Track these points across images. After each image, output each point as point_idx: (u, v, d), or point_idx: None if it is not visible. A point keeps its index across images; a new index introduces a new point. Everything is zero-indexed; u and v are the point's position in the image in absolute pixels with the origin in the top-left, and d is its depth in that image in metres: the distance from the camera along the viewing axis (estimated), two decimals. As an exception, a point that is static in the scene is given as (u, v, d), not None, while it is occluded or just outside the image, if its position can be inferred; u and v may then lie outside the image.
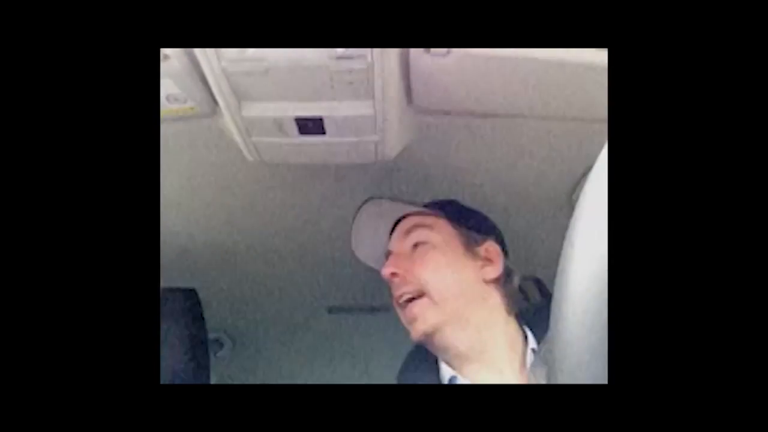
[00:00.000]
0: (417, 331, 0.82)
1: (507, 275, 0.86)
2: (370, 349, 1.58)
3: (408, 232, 0.89)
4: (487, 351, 0.81)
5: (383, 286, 1.34)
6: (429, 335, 0.82)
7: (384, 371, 1.63)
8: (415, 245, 0.88)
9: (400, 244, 0.89)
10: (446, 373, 0.84)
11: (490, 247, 0.88)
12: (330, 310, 1.45)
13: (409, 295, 0.84)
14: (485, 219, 0.93)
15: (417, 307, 0.82)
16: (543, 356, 0.78)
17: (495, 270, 0.85)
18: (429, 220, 0.89)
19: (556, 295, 0.37)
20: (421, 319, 0.82)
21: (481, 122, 0.90)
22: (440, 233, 0.88)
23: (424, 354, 0.89)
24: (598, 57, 0.72)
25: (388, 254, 0.90)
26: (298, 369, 1.65)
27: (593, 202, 0.36)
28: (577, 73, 0.77)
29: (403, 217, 0.92)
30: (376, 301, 1.41)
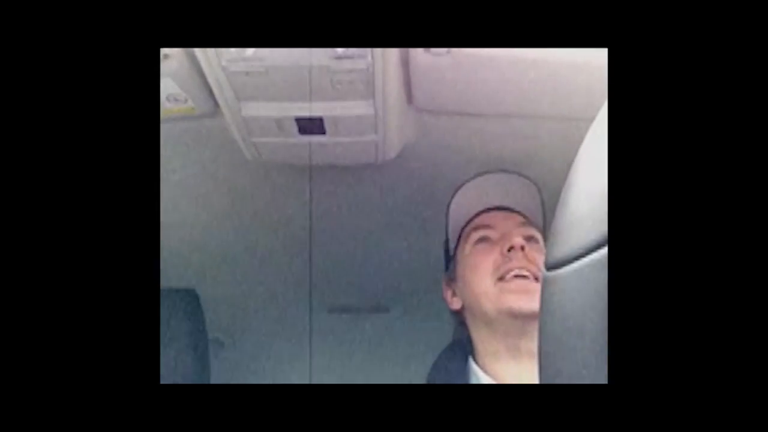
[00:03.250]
0: (529, 304, 0.81)
1: None
2: (370, 349, 1.58)
3: (525, 224, 0.91)
4: (533, 356, 0.83)
5: (383, 286, 1.35)
6: (535, 315, 0.83)
7: (384, 371, 1.63)
8: (529, 238, 0.89)
9: (513, 228, 0.90)
10: (482, 380, 0.85)
11: None
12: (330, 310, 1.45)
13: (526, 273, 0.84)
14: None
15: (534, 287, 0.83)
16: None
17: None
18: (535, 227, 0.92)
19: (545, 295, 0.37)
20: (535, 298, 0.83)
21: (481, 122, 0.90)
22: (541, 242, 0.91)
23: (453, 357, 0.90)
24: (597, 57, 0.72)
25: (479, 223, 0.92)
26: (298, 369, 1.65)
27: (586, 201, 0.36)
28: (576, 73, 0.77)
29: (515, 210, 0.93)
30: (376, 301, 1.41)
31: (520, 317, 0.82)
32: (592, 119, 0.39)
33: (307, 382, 1.67)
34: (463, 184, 0.94)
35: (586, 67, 0.75)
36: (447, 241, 0.97)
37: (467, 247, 0.91)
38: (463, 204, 0.94)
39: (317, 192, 1.06)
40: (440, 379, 0.89)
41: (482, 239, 0.90)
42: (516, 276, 0.84)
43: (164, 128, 0.84)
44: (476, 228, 0.92)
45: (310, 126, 0.83)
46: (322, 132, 0.84)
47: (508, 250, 0.85)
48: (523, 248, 0.85)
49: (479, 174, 0.94)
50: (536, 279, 0.83)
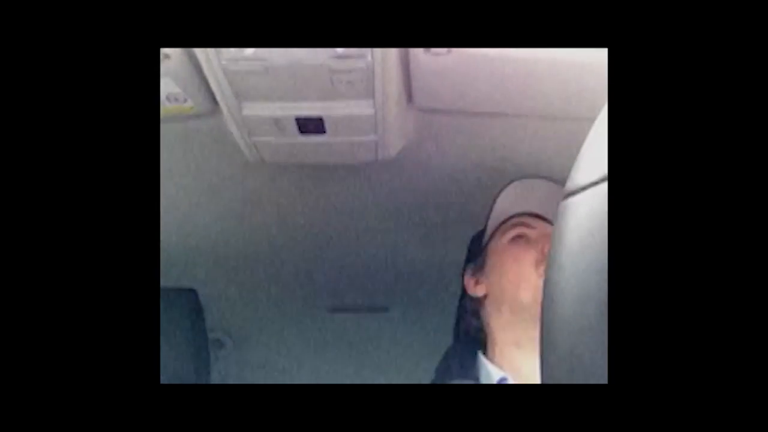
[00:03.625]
0: None
1: None
2: (370, 349, 1.58)
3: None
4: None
5: (383, 286, 1.35)
6: None
7: (384, 371, 1.63)
8: None
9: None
10: (494, 374, 0.86)
11: None
12: (330, 310, 1.45)
13: None
14: None
15: None
16: None
17: None
18: None
19: (546, 295, 0.37)
20: None
21: (481, 122, 0.90)
22: None
23: (460, 354, 0.92)
24: (597, 57, 0.72)
25: (519, 221, 0.94)
26: (299, 369, 1.65)
27: (586, 201, 0.36)
28: (576, 73, 0.77)
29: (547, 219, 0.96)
30: (376, 301, 1.41)
31: None
32: (592, 119, 0.39)
33: (307, 382, 1.67)
34: (508, 184, 0.97)
35: (587, 67, 0.75)
36: (479, 235, 1.00)
37: (504, 241, 0.95)
38: (507, 203, 0.97)
39: (317, 192, 1.06)
40: (449, 377, 0.90)
41: (521, 236, 0.94)
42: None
43: (164, 128, 0.84)
44: (516, 225, 0.95)
45: (310, 126, 0.83)
46: (322, 132, 0.84)
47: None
48: None
49: (527, 177, 0.97)
50: None
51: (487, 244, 0.98)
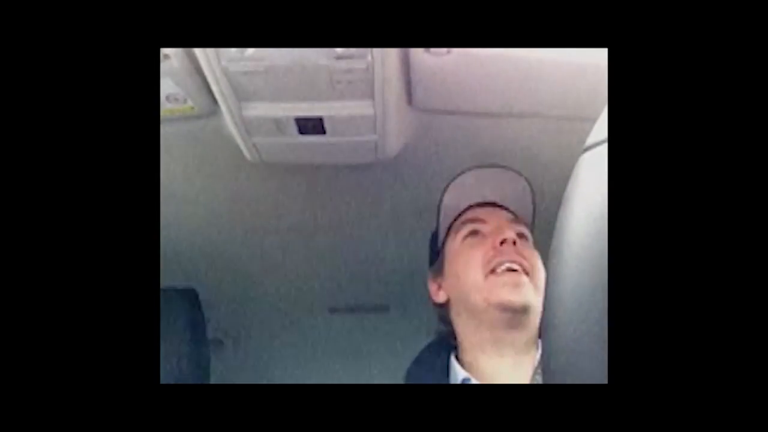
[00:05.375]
0: (521, 299, 0.83)
1: None
2: (370, 349, 1.58)
3: (517, 221, 0.91)
4: (524, 352, 0.84)
5: (383, 286, 1.35)
6: (525, 309, 0.83)
7: (384, 371, 1.63)
8: (521, 235, 0.89)
9: (505, 224, 0.90)
10: (459, 374, 0.85)
11: None
12: (330, 310, 1.45)
13: (517, 267, 0.84)
14: None
15: (524, 280, 0.84)
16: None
17: None
18: (524, 226, 0.93)
19: (548, 294, 0.37)
20: (525, 291, 0.84)
21: (481, 122, 0.90)
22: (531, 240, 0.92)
23: (435, 353, 0.91)
24: (597, 57, 0.72)
25: (472, 217, 0.92)
26: (299, 369, 1.65)
27: (585, 197, 0.36)
28: (576, 73, 0.77)
29: (505, 207, 0.93)
30: (376, 301, 1.41)
31: (509, 310, 0.83)
32: (592, 119, 0.39)
33: (306, 382, 1.67)
34: (455, 178, 0.94)
35: (587, 67, 0.75)
36: (435, 235, 0.96)
37: (457, 240, 0.91)
38: (455, 198, 0.94)
39: (317, 192, 1.06)
40: (418, 377, 0.90)
41: (473, 232, 0.90)
42: (507, 269, 0.84)
43: (164, 128, 0.84)
44: (466, 221, 0.91)
45: (310, 126, 0.83)
46: (322, 132, 0.84)
47: (501, 243, 0.86)
48: (515, 242, 0.85)
49: (471, 168, 0.94)
50: (527, 273, 0.84)
51: (443, 244, 0.94)
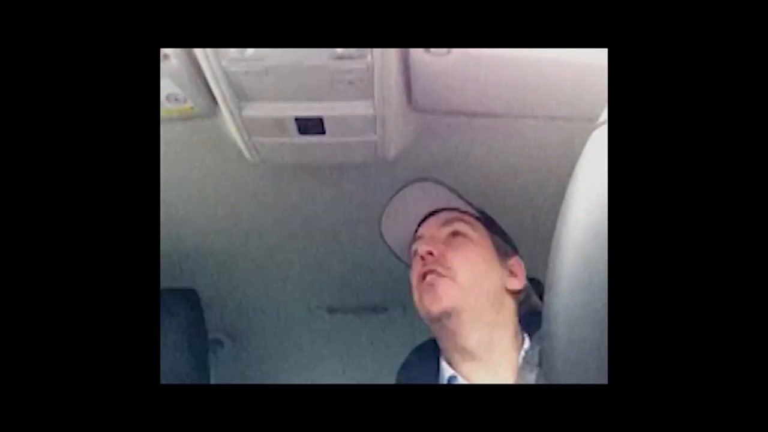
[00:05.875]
0: (438, 305, 0.83)
1: (527, 294, 0.90)
2: (370, 349, 1.58)
3: (449, 222, 0.91)
4: (491, 351, 0.84)
5: (383, 286, 1.35)
6: (447, 314, 0.83)
7: (384, 371, 1.63)
8: (454, 234, 0.89)
9: (437, 230, 0.91)
10: (446, 372, 0.86)
11: (516, 262, 0.91)
12: (330, 310, 1.45)
13: (432, 278, 0.85)
14: (511, 239, 0.96)
15: (442, 285, 0.84)
16: (530, 358, 0.80)
17: (518, 283, 0.89)
18: (468, 218, 0.92)
19: (548, 293, 0.37)
20: (446, 297, 0.84)
21: (481, 122, 0.90)
22: (478, 232, 0.91)
23: (426, 353, 0.90)
24: (597, 57, 0.72)
25: (416, 237, 0.92)
26: (298, 369, 1.65)
27: (585, 197, 0.36)
28: (577, 73, 0.77)
29: (442, 209, 0.93)
30: (376, 301, 1.41)
31: (434, 319, 0.84)
32: (592, 119, 0.39)
33: (306, 382, 1.67)
34: (384, 209, 0.95)
35: (587, 67, 0.75)
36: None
37: (411, 262, 0.93)
38: (397, 225, 0.95)
39: (317, 192, 1.06)
40: (409, 377, 0.90)
41: (414, 253, 0.91)
42: (424, 278, 0.85)
43: (164, 128, 0.84)
44: (414, 241, 0.93)
45: (310, 126, 0.83)
46: (322, 132, 0.84)
47: (422, 258, 0.87)
48: (431, 253, 0.86)
49: (396, 193, 0.94)
50: (447, 275, 0.84)
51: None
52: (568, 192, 0.39)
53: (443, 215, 0.92)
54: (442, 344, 0.88)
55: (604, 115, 0.38)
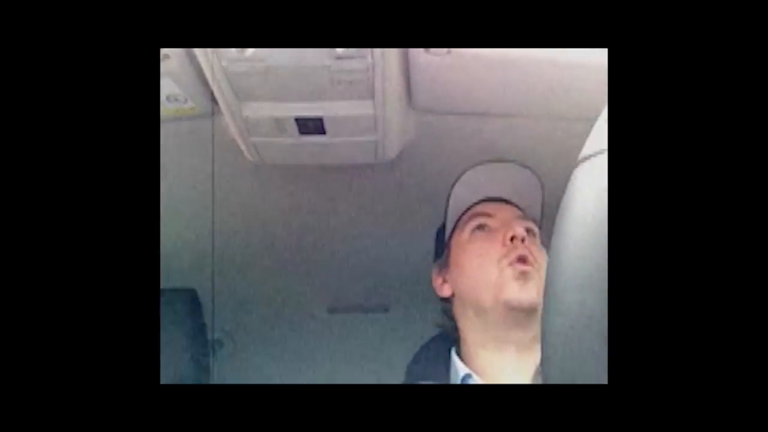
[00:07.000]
0: (529, 296, 0.81)
1: None
2: (370, 349, 1.58)
3: (523, 218, 0.89)
4: (532, 350, 0.82)
5: (383, 286, 1.35)
6: (532, 308, 0.81)
7: (384, 371, 1.62)
8: (528, 230, 0.87)
9: (513, 220, 0.88)
10: (460, 371, 0.85)
11: None
12: (330, 310, 1.45)
13: (527, 267, 0.82)
14: None
15: (536, 279, 0.82)
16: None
17: None
18: (532, 222, 0.90)
19: (547, 292, 0.37)
20: (537, 292, 0.81)
21: (481, 122, 0.90)
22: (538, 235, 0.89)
23: (436, 349, 0.90)
24: (597, 57, 0.72)
25: (481, 211, 0.90)
26: (299, 369, 1.65)
27: (585, 198, 0.36)
28: (577, 73, 0.77)
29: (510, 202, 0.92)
30: (376, 301, 1.41)
31: (517, 309, 0.81)
32: (592, 119, 0.39)
33: (306, 382, 1.67)
34: (464, 172, 0.91)
35: (587, 67, 0.75)
36: (442, 228, 0.95)
37: (465, 235, 0.89)
38: (464, 192, 0.92)
39: (317, 192, 1.06)
40: (419, 372, 0.89)
41: (480, 227, 0.88)
42: (518, 267, 0.82)
43: (164, 128, 0.84)
44: (475, 216, 0.90)
45: (310, 126, 0.83)
46: (322, 132, 0.84)
47: (511, 240, 0.84)
48: (523, 240, 0.83)
49: (482, 162, 0.91)
50: (537, 271, 0.82)
51: (449, 238, 0.92)
52: (568, 191, 0.39)
53: (516, 209, 0.90)
54: (479, 334, 0.85)
55: (590, 148, 0.38)
